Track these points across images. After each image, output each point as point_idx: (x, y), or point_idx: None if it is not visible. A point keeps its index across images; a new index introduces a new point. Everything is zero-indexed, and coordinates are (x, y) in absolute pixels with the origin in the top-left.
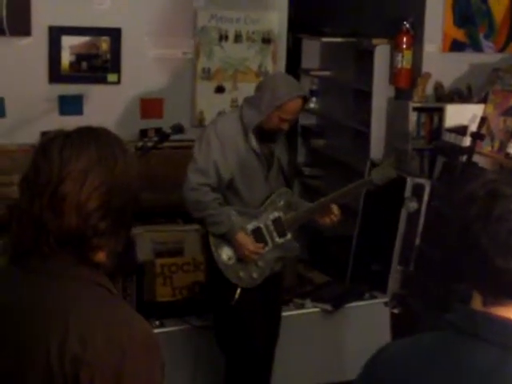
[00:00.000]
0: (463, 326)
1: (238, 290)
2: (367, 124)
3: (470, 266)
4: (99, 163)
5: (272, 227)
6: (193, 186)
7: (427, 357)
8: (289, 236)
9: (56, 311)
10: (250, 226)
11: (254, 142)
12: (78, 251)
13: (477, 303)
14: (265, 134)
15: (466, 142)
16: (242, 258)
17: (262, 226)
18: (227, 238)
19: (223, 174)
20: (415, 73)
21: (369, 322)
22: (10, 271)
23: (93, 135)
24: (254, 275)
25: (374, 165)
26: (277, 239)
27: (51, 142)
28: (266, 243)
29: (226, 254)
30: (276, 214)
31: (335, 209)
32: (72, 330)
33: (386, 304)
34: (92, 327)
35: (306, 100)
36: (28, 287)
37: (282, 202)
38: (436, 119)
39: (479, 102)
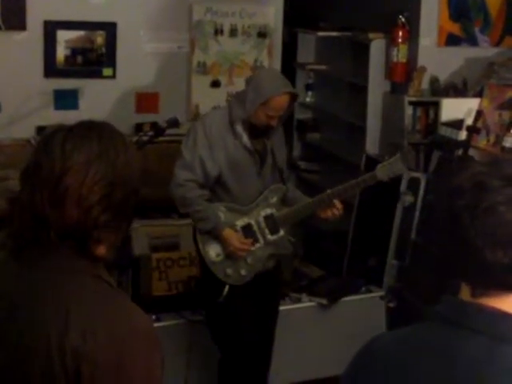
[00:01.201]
0: (453, 317)
1: (226, 287)
2: (363, 118)
3: (459, 258)
4: (101, 157)
5: (263, 224)
6: (179, 181)
7: (418, 348)
8: (281, 233)
9: (56, 304)
10: (240, 223)
11: (245, 138)
12: (79, 244)
13: (465, 294)
14: (256, 130)
15: (462, 135)
16: (229, 255)
17: (252, 222)
18: (214, 235)
19: (210, 170)
20: (411, 67)
21: (365, 315)
22: (10, 264)
23: (94, 129)
24: (243, 272)
25: (370, 159)
26: (268, 236)
27: (53, 135)
28: (256, 240)
29: (214, 250)
30: (268, 211)
31: (337, 202)
32: (72, 324)
33: (381, 298)
34: (92, 321)
35: (294, 96)
36: (28, 280)
37: (274, 199)
38: (432, 113)
39: (475, 95)
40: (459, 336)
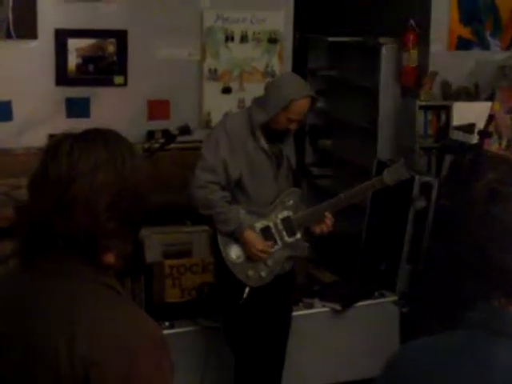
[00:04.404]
0: (493, 325)
1: (247, 289)
2: (374, 123)
3: (475, 265)
4: (107, 164)
5: (281, 226)
6: (201, 183)
7: (454, 357)
8: (298, 235)
9: (64, 312)
10: (259, 225)
11: (263, 142)
12: (87, 252)
13: (495, 302)
14: (273, 134)
15: (474, 139)
16: (250, 257)
17: (271, 224)
18: (235, 237)
19: (232, 172)
20: (422, 71)
21: (378, 321)
22: (19, 272)
23: (101, 137)
24: (263, 274)
25: (381, 164)
26: (286, 238)
27: (59, 143)
28: (275, 242)
29: (234, 252)
30: (285, 213)
31: (328, 218)
32: (81, 332)
33: (394, 303)
34: (101, 328)
35: (314, 100)
36: (37, 288)
37: (291, 202)
38: (443, 117)
39: (486, 99)
40: (497, 344)
